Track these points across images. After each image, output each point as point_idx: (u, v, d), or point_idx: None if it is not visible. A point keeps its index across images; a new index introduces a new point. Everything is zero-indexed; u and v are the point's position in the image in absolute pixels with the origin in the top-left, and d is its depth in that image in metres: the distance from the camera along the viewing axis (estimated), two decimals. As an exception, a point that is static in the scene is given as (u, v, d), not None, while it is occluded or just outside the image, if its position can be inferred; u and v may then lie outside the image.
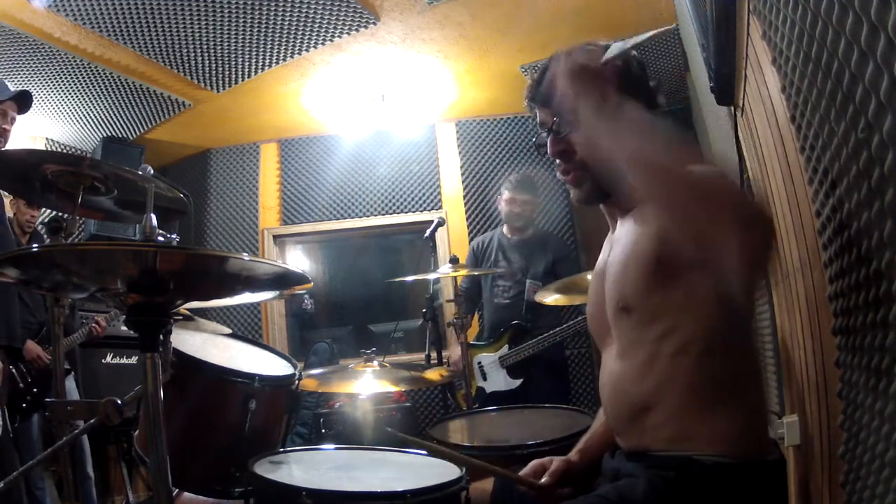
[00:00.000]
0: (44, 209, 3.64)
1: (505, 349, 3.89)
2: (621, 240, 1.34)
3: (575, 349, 5.06)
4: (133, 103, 4.51)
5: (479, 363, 3.91)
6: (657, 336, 1.20)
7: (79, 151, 4.99)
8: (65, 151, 4.91)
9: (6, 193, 3.83)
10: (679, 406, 1.17)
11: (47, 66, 3.86)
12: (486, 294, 4.13)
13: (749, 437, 1.18)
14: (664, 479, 1.14)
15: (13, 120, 2.61)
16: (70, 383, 3.49)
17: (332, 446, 2.07)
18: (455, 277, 3.52)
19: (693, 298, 1.16)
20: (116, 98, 4.39)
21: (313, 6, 3.55)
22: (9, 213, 3.64)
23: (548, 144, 1.41)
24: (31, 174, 1.92)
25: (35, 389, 3.11)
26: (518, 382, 3.81)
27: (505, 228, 4.17)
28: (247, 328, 5.32)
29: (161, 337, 1.15)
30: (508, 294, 4.03)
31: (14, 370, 3.05)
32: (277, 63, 4.12)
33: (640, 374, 1.23)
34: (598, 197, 1.43)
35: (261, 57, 4.04)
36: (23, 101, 2.65)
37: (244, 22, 3.63)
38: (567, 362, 4.67)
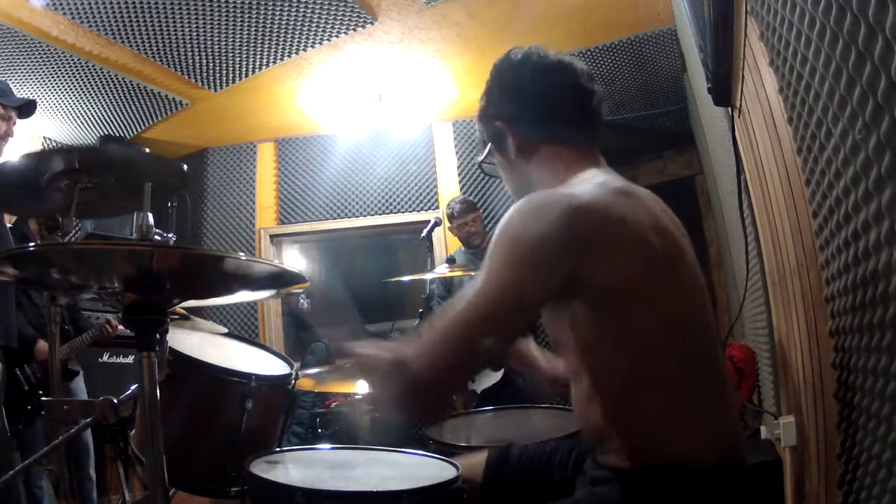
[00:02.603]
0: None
1: None
2: None
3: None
4: (130, 102, 4.51)
5: None
6: (593, 367, 1.18)
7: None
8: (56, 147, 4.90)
9: None
10: (631, 430, 1.15)
11: (45, 64, 3.85)
12: None
13: (715, 445, 1.14)
14: (636, 489, 1.13)
15: (14, 123, 2.63)
16: (79, 383, 3.48)
17: (329, 446, 2.06)
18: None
19: (610, 330, 1.13)
20: (114, 97, 4.39)
21: (311, 5, 3.54)
22: None
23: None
24: (26, 184, 1.88)
25: (40, 392, 3.10)
26: (500, 374, 3.96)
27: (462, 248, 4.44)
28: (243, 328, 5.32)
29: (157, 336, 1.15)
30: None
31: (20, 372, 3.04)
32: (275, 62, 4.12)
33: (589, 401, 1.22)
34: None
35: (258, 56, 4.04)
36: (26, 108, 2.68)
37: (241, 21, 3.63)
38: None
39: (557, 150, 1.36)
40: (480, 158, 1.51)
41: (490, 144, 1.45)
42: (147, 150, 1.89)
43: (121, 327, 3.50)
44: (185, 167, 1.94)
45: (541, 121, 1.37)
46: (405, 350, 1.14)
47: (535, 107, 1.37)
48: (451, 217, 4.29)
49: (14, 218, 3.49)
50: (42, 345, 3.16)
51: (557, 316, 1.23)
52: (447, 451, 1.82)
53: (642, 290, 1.12)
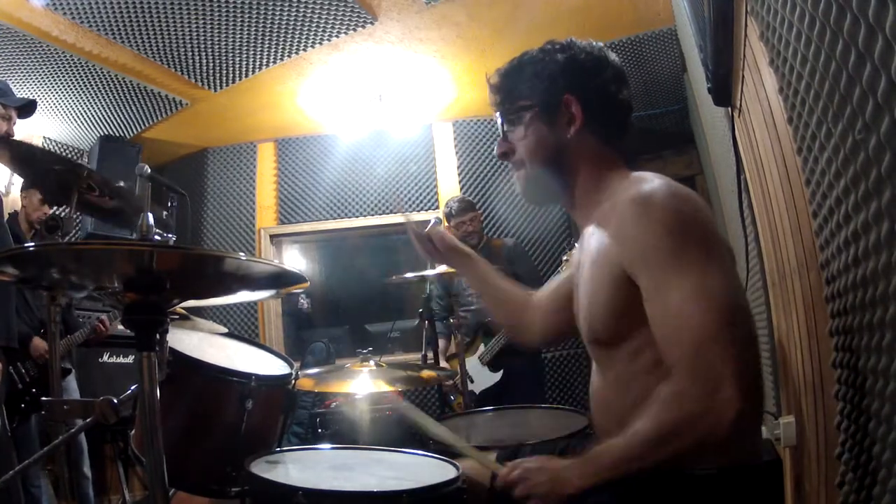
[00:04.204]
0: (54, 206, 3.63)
1: (481, 348, 4.14)
2: (586, 255, 1.32)
3: (556, 351, 5.08)
4: (130, 102, 4.51)
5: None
6: (630, 355, 1.19)
7: (76, 150, 4.98)
8: (63, 152, 4.91)
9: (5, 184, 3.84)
10: None
11: (45, 64, 3.85)
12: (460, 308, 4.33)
13: (736, 443, 1.15)
14: (659, 491, 1.13)
15: (14, 123, 2.65)
16: (71, 382, 3.49)
17: (329, 446, 2.06)
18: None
19: None
20: (114, 97, 4.39)
21: (311, 5, 3.54)
22: (12, 208, 3.64)
23: (496, 146, 1.47)
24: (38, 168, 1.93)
25: (34, 390, 3.11)
26: (500, 375, 4.06)
27: None
28: (243, 328, 5.32)
29: (157, 336, 1.15)
30: (479, 299, 4.19)
31: (13, 371, 3.05)
32: (275, 62, 4.12)
33: (617, 391, 1.22)
34: (538, 197, 1.47)
35: (258, 56, 4.04)
36: (26, 108, 2.70)
37: (242, 21, 3.63)
38: (541, 354, 4.75)
39: (605, 150, 1.37)
40: (504, 111, 1.43)
41: (536, 107, 1.39)
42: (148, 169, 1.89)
43: (121, 327, 3.51)
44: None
45: (609, 116, 1.38)
46: (676, 389, 1.06)
47: (609, 102, 1.38)
48: (448, 216, 4.29)
49: (22, 206, 3.53)
50: (37, 342, 3.17)
51: (622, 295, 1.20)
52: (447, 451, 1.82)
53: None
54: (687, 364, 1.05)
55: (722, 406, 1.02)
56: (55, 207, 3.60)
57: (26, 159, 2.05)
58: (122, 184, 1.95)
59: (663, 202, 1.14)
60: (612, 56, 1.40)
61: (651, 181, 1.20)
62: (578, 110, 1.34)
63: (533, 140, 1.39)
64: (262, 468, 1.58)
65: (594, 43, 1.40)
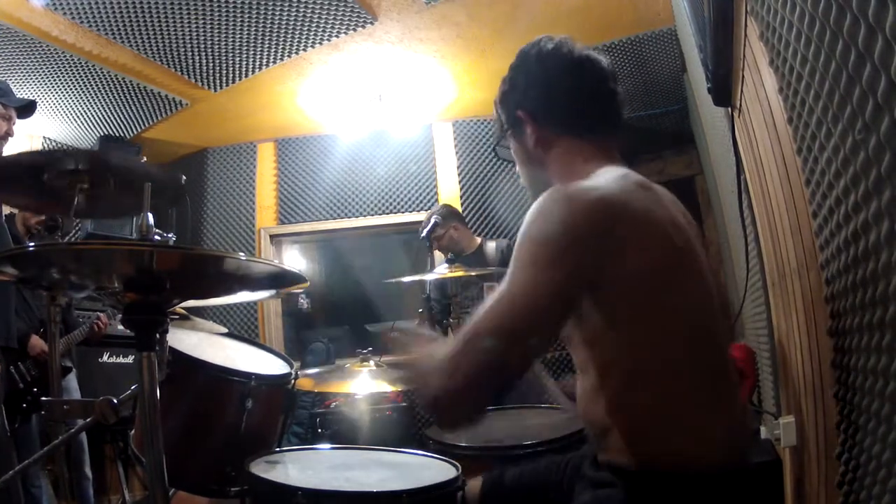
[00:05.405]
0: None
1: None
2: None
3: (556, 351, 5.06)
4: (130, 102, 4.50)
5: None
6: (602, 365, 1.18)
7: (76, 150, 4.98)
8: (60, 148, 4.91)
9: None
10: (637, 425, 1.14)
11: (45, 64, 3.85)
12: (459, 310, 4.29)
13: (720, 443, 1.14)
14: (640, 492, 1.13)
15: (14, 123, 2.65)
16: (72, 381, 3.49)
17: (329, 446, 2.06)
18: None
19: (623, 324, 1.13)
20: (114, 97, 4.39)
21: (311, 5, 3.54)
22: (9, 210, 3.64)
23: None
24: (26, 179, 1.90)
25: (35, 389, 3.11)
26: None
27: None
28: (243, 327, 5.32)
29: (157, 336, 1.15)
30: (475, 301, 4.17)
31: (14, 371, 3.05)
32: (275, 62, 4.12)
33: (594, 394, 1.21)
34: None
35: (258, 56, 4.03)
36: (26, 109, 2.70)
37: (242, 21, 3.63)
38: None
39: (576, 144, 1.36)
40: (495, 142, 1.53)
41: (508, 130, 1.45)
42: (145, 158, 1.88)
43: (120, 326, 3.51)
44: (183, 177, 1.94)
45: (563, 115, 1.37)
46: (442, 356, 1.14)
47: (559, 101, 1.37)
48: (433, 230, 4.09)
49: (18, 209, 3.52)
50: (35, 340, 3.17)
51: None
52: (447, 451, 1.82)
53: (658, 282, 1.12)
54: (461, 341, 1.12)
55: (437, 390, 1.12)
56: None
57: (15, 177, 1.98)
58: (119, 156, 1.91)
59: (538, 206, 1.15)
60: (566, 49, 1.37)
61: (576, 182, 1.20)
62: (531, 123, 1.38)
63: (517, 158, 1.49)
64: (262, 468, 1.58)
65: (547, 40, 1.40)
